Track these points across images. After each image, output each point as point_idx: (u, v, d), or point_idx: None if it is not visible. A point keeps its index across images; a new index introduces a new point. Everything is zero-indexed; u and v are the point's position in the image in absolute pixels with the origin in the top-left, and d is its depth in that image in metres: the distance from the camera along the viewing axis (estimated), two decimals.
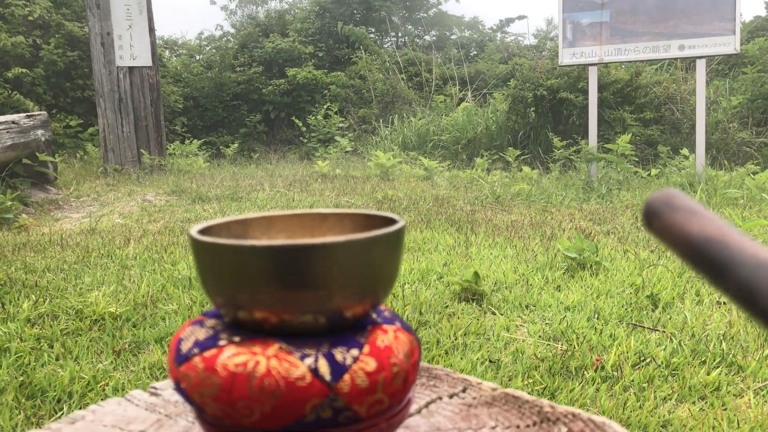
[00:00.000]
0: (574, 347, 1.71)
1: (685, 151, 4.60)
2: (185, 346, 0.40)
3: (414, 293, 2.17)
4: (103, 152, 5.50)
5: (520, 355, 1.68)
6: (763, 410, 1.37)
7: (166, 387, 0.59)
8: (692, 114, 5.22)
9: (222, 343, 0.39)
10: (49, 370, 1.47)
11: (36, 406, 1.33)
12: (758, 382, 1.51)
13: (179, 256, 2.61)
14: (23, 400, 1.33)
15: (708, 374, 1.54)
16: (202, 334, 0.41)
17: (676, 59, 5.90)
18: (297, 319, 0.39)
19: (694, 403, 1.43)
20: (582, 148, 4.86)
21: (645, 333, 1.81)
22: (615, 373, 1.57)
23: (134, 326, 1.83)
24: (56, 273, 2.31)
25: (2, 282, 2.15)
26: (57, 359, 1.57)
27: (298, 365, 0.37)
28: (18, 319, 1.78)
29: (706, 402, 1.43)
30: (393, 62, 8.41)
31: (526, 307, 2.07)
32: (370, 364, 0.38)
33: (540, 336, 1.81)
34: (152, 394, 0.58)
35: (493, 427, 0.50)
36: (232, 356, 0.38)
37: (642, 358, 1.65)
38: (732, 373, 1.56)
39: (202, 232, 0.43)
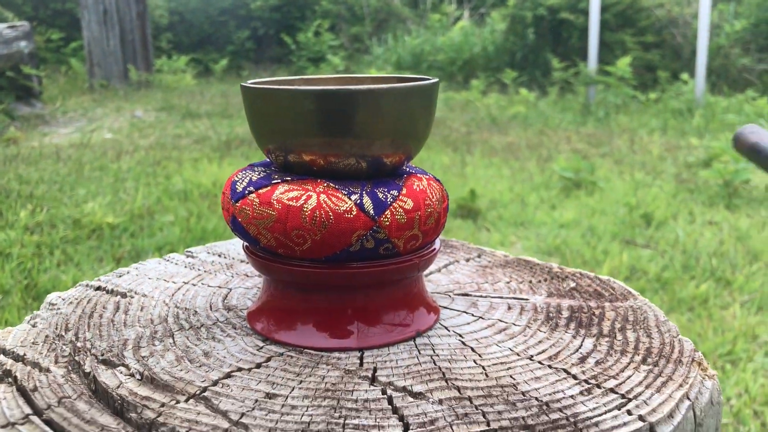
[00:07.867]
0: (567, 261, 1.75)
1: (684, 76, 4.53)
2: (240, 186, 0.44)
3: None
4: (89, 67, 5.32)
5: None
6: (747, 321, 1.42)
7: (200, 251, 0.62)
8: (694, 38, 5.10)
9: (276, 181, 0.44)
10: (52, 274, 1.48)
11: None
12: (745, 295, 1.56)
13: (173, 170, 2.59)
14: (29, 301, 1.35)
15: (697, 288, 1.59)
16: (255, 176, 0.45)
17: None
18: (342, 161, 0.43)
19: (682, 314, 1.48)
20: (581, 70, 4.77)
21: (638, 249, 1.85)
22: None
23: (132, 236, 1.84)
24: (50, 185, 2.30)
25: None
26: (58, 265, 1.58)
27: (345, 200, 0.41)
28: (17, 227, 1.77)
29: (694, 313, 1.48)
30: None
31: (521, 224, 2.10)
32: (408, 203, 0.43)
33: (534, 251, 1.84)
34: (188, 256, 0.62)
35: (508, 282, 0.57)
36: (285, 191, 0.42)
37: (634, 273, 1.69)
38: (720, 287, 1.61)
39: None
